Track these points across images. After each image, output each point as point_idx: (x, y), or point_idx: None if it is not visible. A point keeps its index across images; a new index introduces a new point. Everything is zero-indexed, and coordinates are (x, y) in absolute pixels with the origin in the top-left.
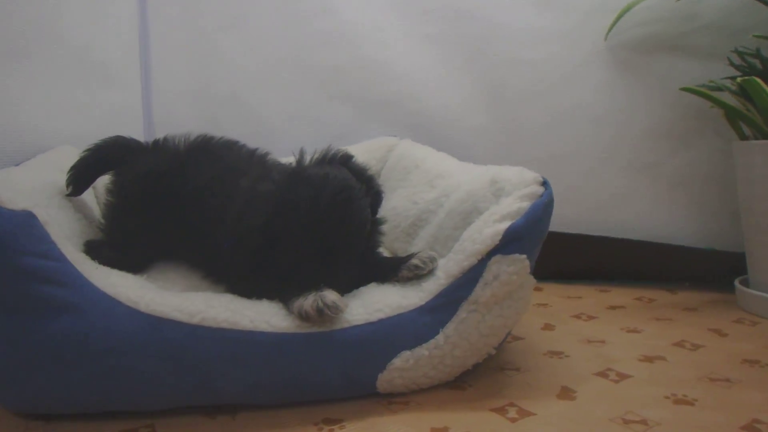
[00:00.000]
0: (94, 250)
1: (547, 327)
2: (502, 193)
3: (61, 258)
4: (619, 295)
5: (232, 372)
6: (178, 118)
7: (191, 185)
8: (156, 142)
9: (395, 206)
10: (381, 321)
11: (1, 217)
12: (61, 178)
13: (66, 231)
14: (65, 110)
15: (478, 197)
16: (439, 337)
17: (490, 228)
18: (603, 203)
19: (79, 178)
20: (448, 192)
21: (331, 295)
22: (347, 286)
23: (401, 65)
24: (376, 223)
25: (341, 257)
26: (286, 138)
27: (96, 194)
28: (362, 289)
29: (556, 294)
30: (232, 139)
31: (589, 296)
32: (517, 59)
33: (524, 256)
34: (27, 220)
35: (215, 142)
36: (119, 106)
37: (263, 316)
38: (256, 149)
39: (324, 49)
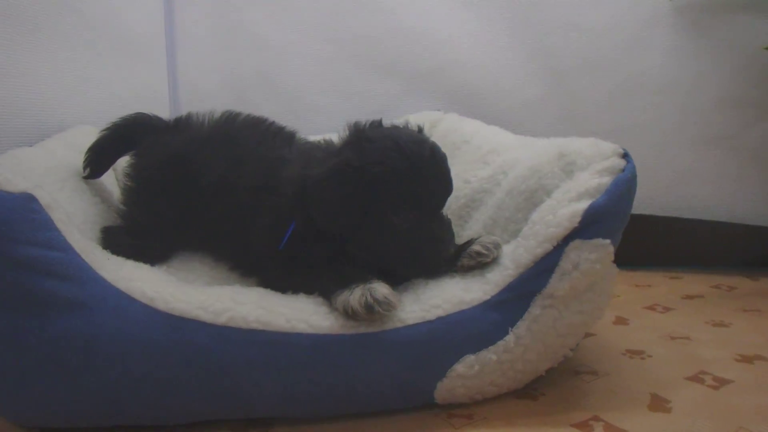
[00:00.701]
0: (111, 237)
1: (620, 321)
2: (574, 167)
3: (65, 247)
4: (694, 282)
5: (265, 380)
6: (205, 95)
7: (215, 169)
8: (178, 120)
9: None
10: (440, 319)
11: None
12: (79, 159)
13: (80, 216)
14: (85, 87)
15: (544, 173)
16: (509, 339)
17: (566, 208)
18: (670, 181)
19: (97, 159)
20: (505, 169)
21: (381, 289)
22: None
23: (443, 33)
24: None
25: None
26: (319, 114)
27: (116, 177)
28: (415, 281)
29: (622, 282)
30: (260, 116)
31: (659, 284)
32: (571, 24)
33: (608, 240)
34: (26, 204)
35: (241, 121)
36: (144, 82)
37: (301, 314)
38: (284, 127)
39: (358, 18)
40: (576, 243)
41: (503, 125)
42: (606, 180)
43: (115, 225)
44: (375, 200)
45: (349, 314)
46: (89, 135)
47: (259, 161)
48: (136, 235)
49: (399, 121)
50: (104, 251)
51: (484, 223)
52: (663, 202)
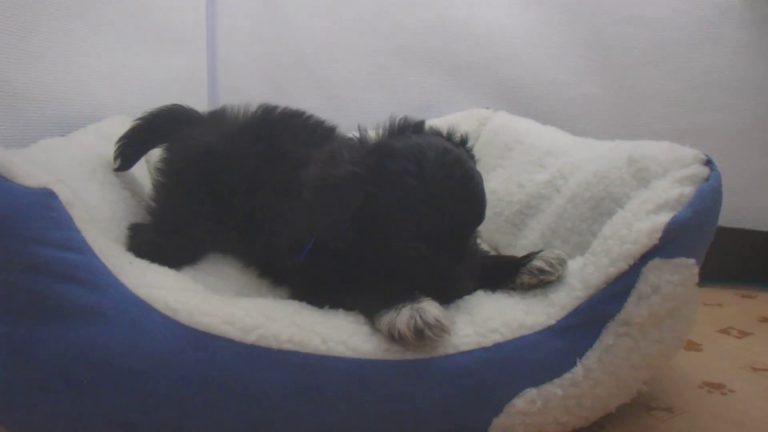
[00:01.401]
0: (138, 234)
1: (691, 345)
2: (647, 174)
3: (83, 249)
4: None
5: (297, 409)
6: (245, 87)
7: (245, 167)
8: (213, 114)
9: (495, 189)
10: (497, 346)
11: (11, 194)
12: (111, 150)
13: (107, 211)
14: (122, 76)
15: (612, 180)
16: (577, 371)
17: (643, 222)
18: (740, 188)
19: (128, 150)
20: (564, 173)
21: (432, 309)
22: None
23: (493, 25)
24: None
25: (469, 244)
26: (361, 109)
27: (149, 170)
28: (468, 299)
29: None
30: (297, 110)
31: (731, 303)
32: (633, 17)
33: (692, 260)
34: (44, 200)
35: (277, 114)
36: (182, 72)
37: (339, 334)
38: (323, 122)
39: (403, 9)
40: (655, 262)
41: (557, 124)
42: (688, 190)
43: (144, 222)
44: (384, 225)
45: (395, 337)
46: (123, 125)
47: (289, 160)
48: (165, 233)
49: (445, 120)
50: (126, 254)
51: (541, 233)
52: (732, 211)
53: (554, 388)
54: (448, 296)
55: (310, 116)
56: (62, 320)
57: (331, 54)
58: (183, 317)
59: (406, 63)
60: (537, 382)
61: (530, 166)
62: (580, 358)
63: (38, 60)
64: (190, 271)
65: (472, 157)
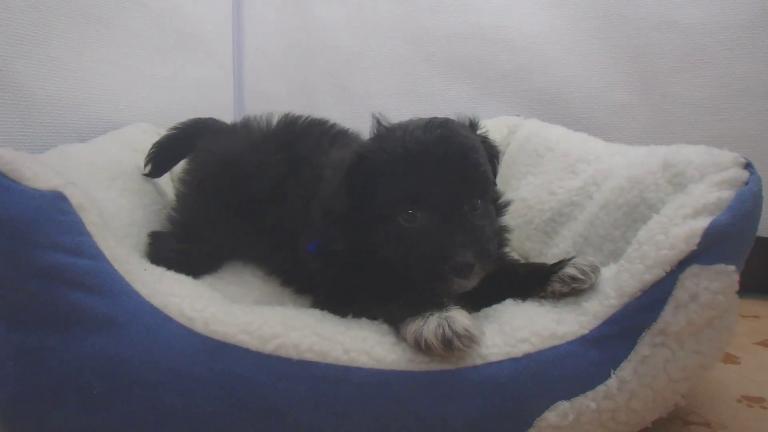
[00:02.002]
0: (159, 241)
1: (729, 359)
2: (683, 179)
3: (96, 254)
4: None
5: (318, 422)
6: (271, 96)
7: (268, 175)
8: (238, 124)
9: (525, 197)
10: (527, 357)
11: (20, 197)
12: (133, 157)
13: (125, 218)
14: (145, 83)
15: (646, 185)
16: (611, 383)
17: (680, 227)
18: None
19: (160, 157)
20: (597, 179)
21: (461, 318)
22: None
23: (525, 32)
24: (500, 207)
25: (470, 215)
26: (390, 118)
27: (172, 179)
28: (497, 308)
29: None
30: (321, 119)
31: None
32: (667, 23)
33: (732, 267)
34: (54, 203)
35: (300, 123)
36: (208, 81)
37: (362, 344)
38: (347, 130)
39: (434, 16)
40: (694, 269)
41: (590, 133)
42: (727, 194)
43: (165, 231)
44: (380, 196)
45: (421, 347)
46: (146, 133)
47: (312, 168)
48: (187, 239)
49: None
50: (141, 260)
51: (573, 241)
52: None
53: (587, 401)
54: (444, 273)
55: (334, 125)
56: (74, 329)
57: (360, 61)
58: (199, 326)
59: (437, 70)
60: (569, 395)
61: (562, 173)
62: (615, 369)
63: (59, 65)
64: (210, 280)
65: (485, 141)
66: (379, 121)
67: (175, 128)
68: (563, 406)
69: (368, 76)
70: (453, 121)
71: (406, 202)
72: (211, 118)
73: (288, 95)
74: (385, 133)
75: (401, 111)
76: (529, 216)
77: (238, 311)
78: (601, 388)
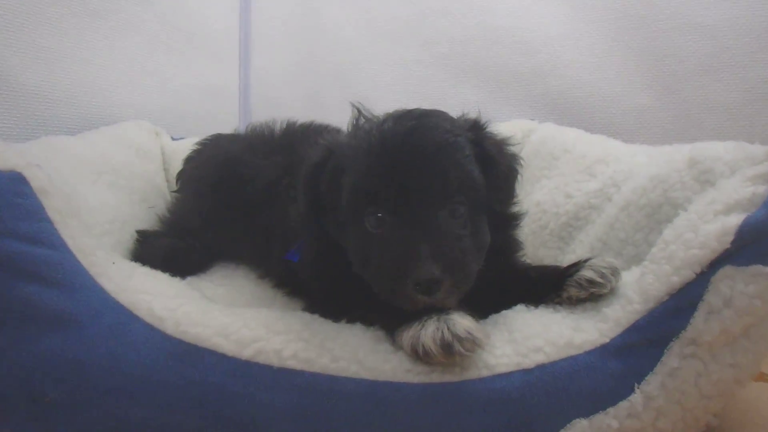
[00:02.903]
0: (146, 239)
1: (762, 376)
2: (711, 176)
3: (56, 244)
4: None
5: None
6: (279, 98)
7: (266, 175)
8: (239, 133)
9: (539, 201)
10: (541, 368)
11: None
12: (125, 154)
13: (108, 214)
14: (144, 81)
15: (671, 184)
16: (636, 399)
17: (711, 224)
18: None
19: None
20: (617, 181)
21: (462, 320)
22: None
23: (540, 34)
24: (511, 218)
25: (446, 218)
26: None
27: (166, 178)
28: (507, 314)
29: None
30: (322, 124)
31: None
32: (689, 24)
33: None
34: (12, 185)
35: (299, 127)
36: (214, 82)
37: (354, 351)
38: (338, 131)
39: (446, 18)
40: (727, 270)
41: (609, 136)
42: (763, 189)
43: (154, 230)
44: (344, 196)
45: (419, 355)
46: (142, 131)
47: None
48: (176, 236)
49: None
50: (111, 254)
51: (591, 246)
52: None
53: (608, 419)
54: (405, 289)
55: (337, 130)
56: (27, 326)
57: (369, 64)
58: (169, 327)
59: (448, 74)
60: (588, 412)
61: (579, 175)
62: (639, 383)
63: (50, 56)
64: (197, 281)
65: (480, 131)
66: (359, 112)
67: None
68: (581, 424)
69: (377, 80)
70: (437, 113)
71: (368, 203)
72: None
73: (295, 100)
74: (359, 126)
75: None
76: (543, 221)
77: (216, 312)
78: (623, 404)
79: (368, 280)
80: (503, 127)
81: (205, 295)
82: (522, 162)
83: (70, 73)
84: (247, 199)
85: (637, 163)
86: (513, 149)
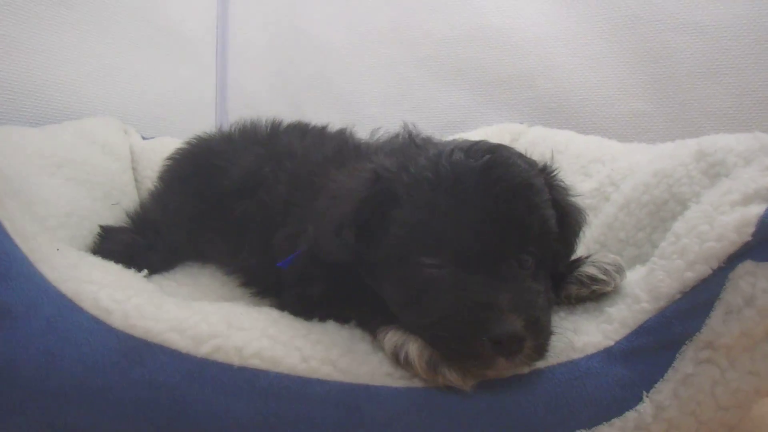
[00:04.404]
0: (109, 234)
1: None
2: (722, 169)
3: None
4: None
5: None
6: (256, 97)
7: (245, 166)
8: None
9: None
10: (537, 374)
11: None
12: (89, 149)
13: (65, 207)
14: (114, 76)
15: (677, 179)
16: (645, 409)
17: (728, 215)
18: None
19: None
20: (614, 180)
21: None
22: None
23: (530, 35)
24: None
25: (518, 272)
26: (383, 125)
27: (136, 177)
28: None
29: None
30: (303, 122)
31: None
32: (687, 24)
33: None
34: None
35: (285, 124)
36: (188, 80)
37: (327, 351)
38: (324, 127)
39: (431, 17)
40: (747, 266)
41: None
42: None
43: (118, 225)
44: (394, 232)
45: (400, 362)
46: (109, 127)
47: (291, 161)
48: (140, 233)
49: (472, 134)
50: (56, 242)
51: (587, 249)
52: None
53: (613, 431)
54: (480, 346)
55: (322, 127)
56: None
57: (350, 64)
58: (116, 320)
59: (432, 75)
60: (590, 423)
61: (573, 175)
62: (648, 391)
63: (9, 45)
64: (159, 280)
65: (549, 175)
66: (410, 135)
67: None
68: None
69: (358, 80)
70: (508, 148)
71: (427, 249)
72: None
73: (273, 98)
74: (414, 151)
75: (395, 120)
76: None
77: (171, 305)
78: (630, 415)
79: (414, 329)
80: (490, 130)
81: (164, 291)
82: (587, 217)
83: (30, 64)
84: (220, 192)
85: (638, 161)
86: (572, 197)
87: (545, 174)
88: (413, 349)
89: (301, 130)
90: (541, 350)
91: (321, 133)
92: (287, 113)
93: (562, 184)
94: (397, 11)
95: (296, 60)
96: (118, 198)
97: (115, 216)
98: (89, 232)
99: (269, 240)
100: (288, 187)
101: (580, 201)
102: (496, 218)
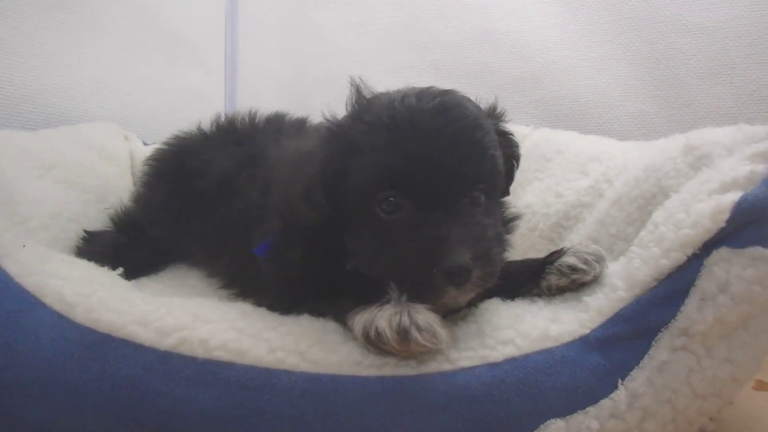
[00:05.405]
0: (93, 237)
1: (762, 385)
2: (709, 161)
3: None
4: None
5: None
6: (266, 105)
7: (219, 168)
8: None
9: (530, 203)
10: (511, 362)
11: None
12: (84, 153)
13: (50, 208)
14: (115, 82)
15: (665, 173)
16: (619, 397)
17: (705, 203)
18: None
19: None
20: (609, 177)
21: (427, 312)
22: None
23: (536, 38)
24: (508, 221)
25: (470, 208)
26: None
27: (134, 182)
28: (479, 307)
29: None
30: (281, 112)
31: None
32: (689, 26)
33: None
34: None
35: (260, 118)
36: (195, 88)
37: (296, 342)
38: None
39: (439, 21)
40: (723, 252)
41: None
42: (762, 167)
43: (102, 230)
44: (355, 178)
45: (371, 339)
46: (109, 133)
47: (265, 161)
48: (125, 235)
49: None
50: (34, 242)
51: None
52: None
53: (588, 420)
54: (433, 278)
55: (299, 118)
56: None
57: (360, 70)
58: (79, 314)
59: (441, 79)
60: (564, 412)
61: (571, 174)
62: (623, 379)
63: (4, 49)
64: (145, 282)
65: (503, 132)
66: (358, 90)
67: None
68: (556, 425)
69: (369, 87)
70: (456, 92)
71: (388, 185)
72: None
73: (283, 106)
74: (366, 104)
75: None
76: (533, 222)
77: (138, 299)
78: (605, 403)
79: (377, 273)
80: None
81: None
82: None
83: (25, 68)
84: (199, 193)
85: (632, 158)
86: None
87: (493, 117)
88: (382, 321)
89: (277, 124)
90: (488, 278)
91: (299, 127)
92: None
93: (505, 127)
94: (404, 16)
95: (305, 63)
96: (113, 202)
97: (106, 220)
98: (76, 234)
99: (249, 246)
100: (261, 192)
101: (574, 197)
102: (452, 158)
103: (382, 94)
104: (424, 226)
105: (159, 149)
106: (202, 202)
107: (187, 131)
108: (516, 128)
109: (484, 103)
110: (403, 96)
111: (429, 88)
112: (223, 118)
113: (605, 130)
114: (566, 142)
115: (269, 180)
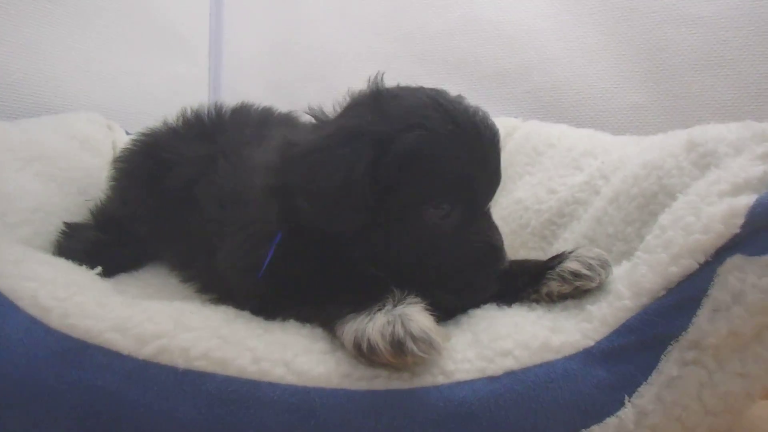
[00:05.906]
0: (73, 230)
1: None
2: (713, 159)
3: None
4: None
5: None
6: (250, 96)
7: (183, 170)
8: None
9: (521, 198)
10: (510, 376)
11: None
12: (67, 144)
13: (30, 201)
14: (99, 72)
15: (667, 170)
16: (626, 414)
17: (716, 205)
18: None
19: None
20: (605, 172)
21: (419, 317)
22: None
23: (526, 28)
24: None
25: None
26: None
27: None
28: (474, 313)
29: None
30: (246, 103)
31: None
32: (684, 16)
33: None
34: None
35: (227, 112)
36: (180, 78)
37: (282, 351)
38: (273, 110)
39: (427, 11)
40: (736, 260)
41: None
42: None
43: (82, 222)
44: (403, 185)
45: (362, 351)
46: (92, 123)
47: (227, 164)
48: (105, 230)
49: None
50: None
51: (576, 244)
52: None
53: None
54: (489, 279)
55: (265, 108)
56: None
57: (345, 60)
58: (54, 319)
59: (428, 70)
60: (567, 430)
61: (564, 169)
62: (630, 395)
63: None
64: (125, 280)
65: None
66: (378, 88)
67: None
68: None
69: (353, 76)
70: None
71: (452, 197)
72: None
73: (269, 95)
74: (402, 104)
75: None
76: (524, 219)
77: (117, 304)
78: (611, 421)
79: (428, 275)
80: None
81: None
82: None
83: (11, 58)
84: (167, 194)
85: (629, 153)
86: None
87: None
88: (374, 331)
89: (243, 117)
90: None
91: (264, 120)
92: (282, 106)
93: None
94: (391, 6)
95: (291, 52)
96: (95, 194)
97: (87, 213)
98: (56, 228)
99: (215, 260)
100: (219, 205)
101: (568, 193)
102: (499, 166)
103: (399, 94)
104: (481, 233)
105: (132, 142)
106: (171, 203)
107: (153, 127)
108: (505, 120)
109: (471, 96)
110: (451, 101)
111: (458, 96)
112: (189, 112)
113: (597, 123)
114: (558, 135)
115: (231, 191)
